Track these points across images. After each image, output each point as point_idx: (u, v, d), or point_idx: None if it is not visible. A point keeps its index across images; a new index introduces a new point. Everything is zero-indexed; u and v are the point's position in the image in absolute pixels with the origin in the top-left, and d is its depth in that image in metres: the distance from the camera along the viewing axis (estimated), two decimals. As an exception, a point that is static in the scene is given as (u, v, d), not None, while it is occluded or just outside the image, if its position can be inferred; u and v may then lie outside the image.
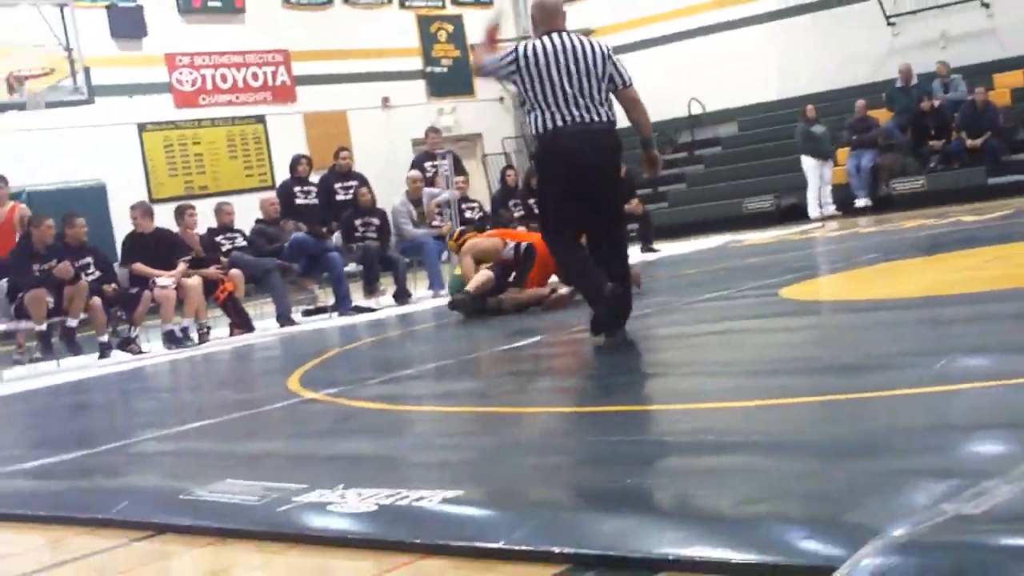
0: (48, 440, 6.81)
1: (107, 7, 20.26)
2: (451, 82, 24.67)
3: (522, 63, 7.19)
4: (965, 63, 20.29)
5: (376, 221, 14.23)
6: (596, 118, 7.17)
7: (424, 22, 24.47)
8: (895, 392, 4.30)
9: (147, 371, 10.40)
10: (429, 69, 24.44)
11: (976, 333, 5.73)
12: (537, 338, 7.73)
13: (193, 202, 14.30)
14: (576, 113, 7.11)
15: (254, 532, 3.63)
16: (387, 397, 6.23)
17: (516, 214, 15.48)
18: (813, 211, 19.56)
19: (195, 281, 12.13)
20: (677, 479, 3.52)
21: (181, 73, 21.26)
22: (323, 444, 5.17)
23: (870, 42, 21.69)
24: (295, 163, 14.93)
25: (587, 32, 23.84)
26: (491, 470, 4.08)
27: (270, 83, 22.31)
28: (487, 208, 16.45)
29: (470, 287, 10.44)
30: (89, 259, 12.13)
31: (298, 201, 14.43)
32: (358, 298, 13.75)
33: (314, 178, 15.02)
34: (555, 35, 7.26)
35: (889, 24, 21.61)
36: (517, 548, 3.00)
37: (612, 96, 7.38)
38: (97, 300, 11.62)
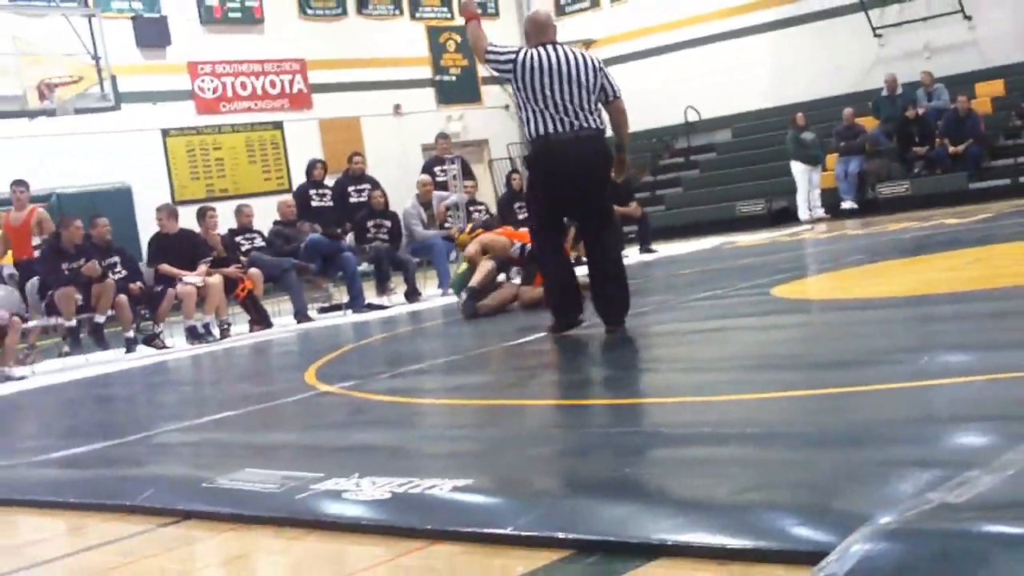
0: (77, 431, 6.82)
1: (132, 18, 20.28)
2: (460, 90, 24.69)
3: (519, 70, 7.34)
4: (948, 73, 20.28)
5: (388, 223, 14.23)
6: (586, 126, 7.31)
7: (434, 33, 24.49)
8: (881, 386, 4.30)
9: (170, 365, 10.40)
10: (439, 78, 24.45)
11: (958, 331, 5.74)
12: (542, 334, 7.72)
13: (214, 204, 14.33)
14: (567, 121, 7.27)
15: (273, 519, 3.63)
16: (399, 390, 6.24)
17: (521, 216, 15.46)
18: (803, 214, 19.56)
19: (216, 280, 12.14)
20: (674, 469, 3.52)
21: (203, 81, 21.28)
22: (338, 435, 5.17)
23: (857, 53, 21.68)
24: (311, 167, 14.94)
25: (588, 43, 23.93)
26: (498, 460, 4.08)
27: (287, 91, 22.32)
28: (493, 211, 16.45)
29: (474, 281, 10.44)
30: (116, 258, 12.15)
31: (314, 203, 14.42)
32: (371, 296, 13.75)
33: (329, 181, 15.02)
34: (549, 47, 7.43)
35: (875, 36, 21.60)
36: (524, 534, 3.01)
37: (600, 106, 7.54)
38: (123, 297, 11.64)
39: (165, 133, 20.64)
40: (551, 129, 7.28)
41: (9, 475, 5.27)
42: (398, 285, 14.19)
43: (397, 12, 24.05)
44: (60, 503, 4.50)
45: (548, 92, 7.28)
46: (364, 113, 22.93)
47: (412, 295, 13.75)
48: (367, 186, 14.77)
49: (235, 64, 21.63)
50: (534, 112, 7.32)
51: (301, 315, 12.89)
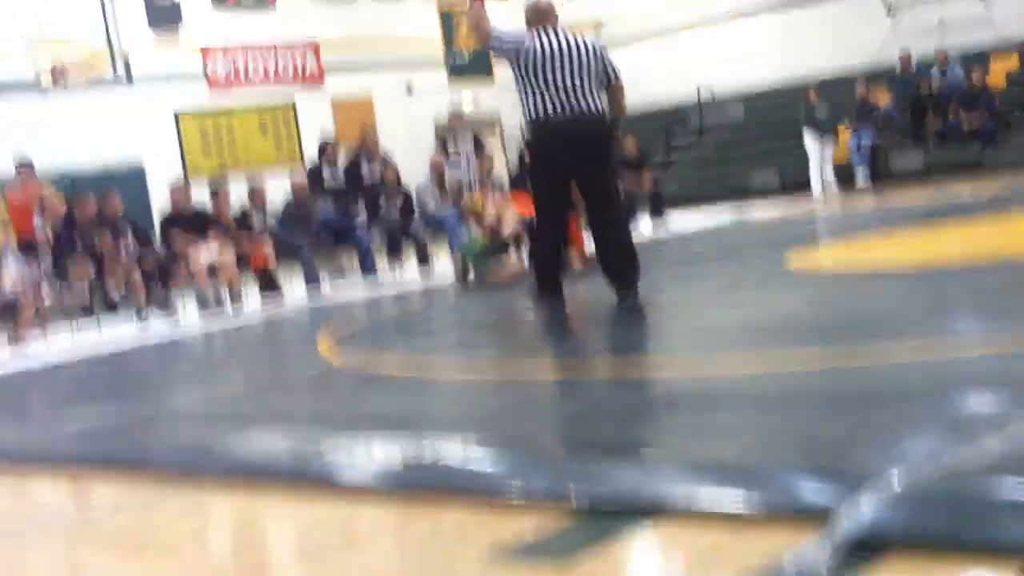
0: (91, 401, 6.84)
1: (145, -1, 20.28)
2: (471, 68, 24.65)
3: (523, 54, 7.44)
4: (962, 49, 20.18)
5: (400, 199, 14.25)
6: (587, 108, 7.40)
7: (445, 13, 24.45)
8: (894, 355, 4.30)
9: (183, 337, 10.44)
10: (450, 56, 24.42)
11: (970, 301, 5.72)
12: (550, 309, 7.73)
13: (226, 181, 14.34)
14: (568, 104, 7.36)
15: (285, 483, 3.64)
16: (411, 359, 6.26)
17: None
18: (815, 187, 19.50)
19: (228, 251, 12.18)
20: (684, 432, 3.52)
21: (215, 62, 21.26)
22: (350, 401, 5.20)
23: (871, 30, 21.57)
24: (323, 147, 14.97)
25: (597, 25, 23.86)
26: (509, 425, 4.09)
27: (299, 70, 22.30)
28: (506, 187, 16.44)
29: (505, 230, 10.46)
30: (128, 232, 12.19)
31: (326, 181, 14.44)
32: (383, 270, 13.78)
33: (341, 159, 15.03)
34: (551, 31, 7.53)
35: (889, 13, 21.50)
36: (534, 497, 3.01)
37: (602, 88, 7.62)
38: (136, 271, 11.68)
39: (177, 113, 20.64)
40: (551, 111, 7.37)
41: (25, 442, 5.29)
42: (410, 257, 14.22)
43: (408, -9, 24.03)
44: (74, 468, 4.52)
45: (550, 76, 7.37)
46: (376, 92, 22.91)
47: (424, 259, 13.79)
48: (379, 163, 14.78)
49: (247, 45, 21.60)
50: (534, 95, 7.42)
51: (314, 287, 12.92)
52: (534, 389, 4.93)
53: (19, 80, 16.37)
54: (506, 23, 8.41)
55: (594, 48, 7.54)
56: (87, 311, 11.83)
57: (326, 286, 13.41)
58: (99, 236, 11.60)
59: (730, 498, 2.72)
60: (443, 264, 14.18)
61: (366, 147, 15.10)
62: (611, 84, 7.64)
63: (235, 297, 12.24)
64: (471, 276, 10.56)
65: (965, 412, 3.30)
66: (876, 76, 20.65)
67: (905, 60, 20.01)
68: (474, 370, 5.77)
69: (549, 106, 7.37)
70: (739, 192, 20.24)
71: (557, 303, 7.64)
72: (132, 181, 18.15)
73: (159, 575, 3.03)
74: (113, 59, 16.80)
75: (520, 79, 7.51)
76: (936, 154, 18.78)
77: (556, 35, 7.50)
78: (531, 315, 7.69)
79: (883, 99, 20.05)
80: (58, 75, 16.64)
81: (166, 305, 11.97)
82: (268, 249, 12.68)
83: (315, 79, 22.36)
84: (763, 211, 16.89)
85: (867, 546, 2.29)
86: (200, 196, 13.13)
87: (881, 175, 19.17)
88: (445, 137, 16.36)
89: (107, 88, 17.10)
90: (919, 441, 2.93)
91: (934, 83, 19.32)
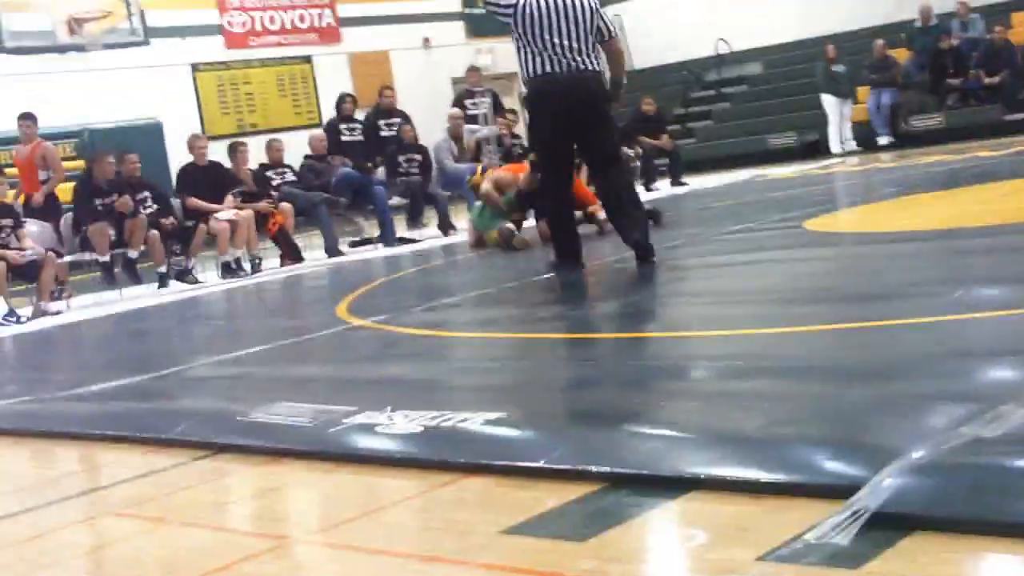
0: (111, 365, 6.86)
1: (161, -49, 20.21)
2: (490, 22, 24.50)
3: (519, 13, 7.50)
4: (983, 2, 19.99)
5: (419, 157, 14.20)
6: (583, 66, 7.46)
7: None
8: (914, 320, 4.29)
9: (203, 300, 10.46)
10: (468, 10, 24.29)
11: (992, 264, 5.70)
12: (573, 271, 7.71)
13: (244, 139, 14.32)
14: (565, 61, 7.42)
15: (306, 452, 3.65)
16: (431, 324, 6.26)
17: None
18: (834, 147, 19.40)
19: (247, 214, 12.16)
20: (706, 402, 3.52)
21: (232, 15, 21.19)
22: (370, 368, 5.19)
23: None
24: (340, 101, 14.90)
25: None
26: (530, 393, 4.09)
27: (316, 24, 22.23)
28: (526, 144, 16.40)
29: (522, 184, 10.46)
30: (147, 193, 12.16)
31: (344, 138, 14.39)
32: (402, 230, 13.76)
33: (359, 115, 14.99)
34: None
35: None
36: (555, 467, 3.01)
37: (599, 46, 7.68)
38: (155, 233, 11.66)
39: (195, 68, 20.60)
40: (548, 69, 7.44)
41: (45, 408, 5.32)
42: (430, 219, 14.18)
43: (426, -57, 23.90)
44: (95, 435, 4.54)
45: (547, 35, 7.42)
46: (393, 47, 22.82)
47: (445, 228, 13.74)
48: (397, 120, 14.73)
49: (264, -3, 21.55)
50: (532, 53, 7.49)
51: (332, 249, 12.91)
52: (552, 358, 4.92)
53: (34, 31, 16.33)
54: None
55: (589, 5, 7.57)
56: (108, 274, 11.83)
57: (344, 247, 13.39)
58: (118, 198, 11.57)
59: (753, 471, 2.72)
60: (462, 224, 14.17)
61: (383, 103, 15.05)
62: (607, 42, 7.69)
63: (254, 259, 12.24)
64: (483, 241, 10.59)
65: (990, 379, 3.29)
66: (895, 30, 20.49)
67: (925, 12, 19.82)
68: (491, 339, 5.76)
69: (547, 65, 7.44)
70: (757, 154, 20.11)
71: (574, 268, 7.63)
72: (150, 138, 18.14)
73: (179, 544, 3.04)
74: (129, 12, 16.76)
75: (517, 38, 7.58)
76: (957, 113, 18.64)
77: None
78: (548, 281, 7.67)
79: (902, 55, 19.89)
80: (74, 28, 16.60)
81: (186, 268, 11.96)
82: (287, 210, 12.65)
83: (332, 33, 22.27)
84: (781, 172, 16.81)
85: (891, 520, 2.29)
86: (219, 157, 13.08)
87: (901, 135, 19.04)
88: (463, 93, 16.29)
89: (123, 41, 17.06)
90: (943, 412, 2.92)
91: (954, 37, 19.13)
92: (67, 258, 11.50)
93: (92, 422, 4.80)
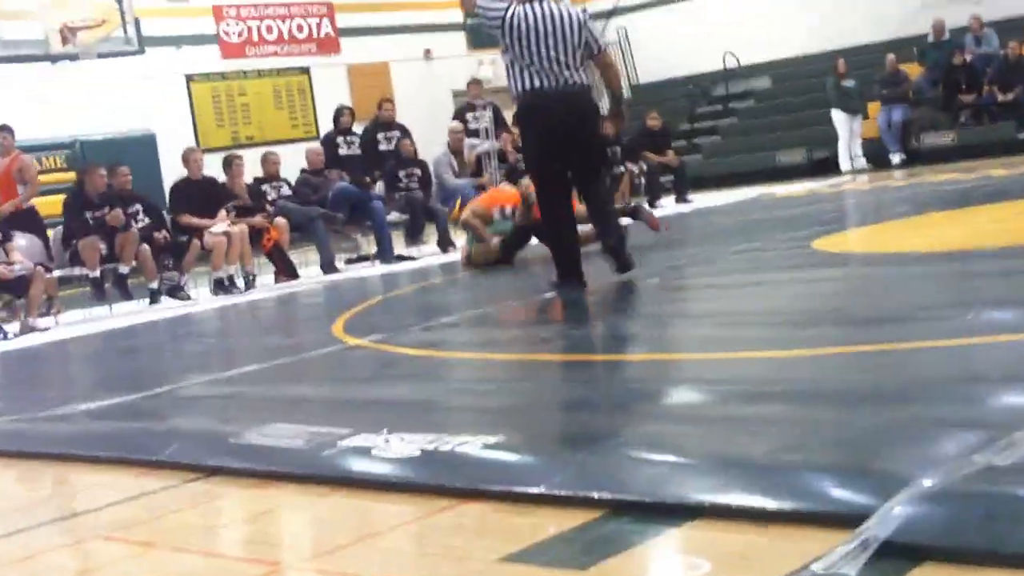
0: (101, 383, 6.86)
1: (156, -41, 20.25)
2: (491, 34, 24.59)
3: (507, 25, 7.61)
4: (998, 17, 20.01)
5: (418, 172, 14.21)
6: (572, 81, 7.58)
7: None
8: (925, 343, 4.28)
9: (195, 317, 10.45)
10: (470, 21, 24.33)
11: (1005, 286, 5.69)
12: (575, 290, 7.71)
13: (240, 152, 14.32)
14: (554, 76, 7.53)
15: (300, 475, 3.64)
16: (429, 343, 6.25)
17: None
18: (844, 164, 19.41)
19: (241, 229, 12.14)
20: (712, 427, 3.51)
21: (228, 25, 21.22)
22: (367, 389, 5.19)
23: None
24: (338, 114, 14.92)
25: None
26: (530, 416, 4.08)
27: (315, 35, 22.25)
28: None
29: (518, 220, 10.53)
30: (138, 207, 12.16)
31: (341, 151, 14.41)
32: (400, 247, 13.75)
33: (357, 128, 15.01)
34: (537, 3, 7.67)
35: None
36: (556, 493, 3.00)
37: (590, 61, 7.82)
38: (147, 248, 11.66)
39: (190, 78, 20.62)
40: (538, 84, 7.55)
41: (32, 428, 5.30)
42: (430, 236, 14.18)
43: (427, -46, 23.96)
44: (83, 456, 4.52)
45: (535, 48, 7.52)
46: (393, 58, 22.85)
47: (445, 245, 13.74)
48: (396, 133, 14.75)
49: (261, 7, 21.56)
50: (521, 68, 7.59)
51: (328, 266, 12.90)
52: (553, 380, 4.92)
53: (26, 40, 16.33)
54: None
55: (578, 19, 7.66)
56: (98, 289, 11.82)
57: (341, 264, 13.38)
58: (109, 211, 11.56)
59: (758, 499, 2.71)
60: (461, 242, 14.17)
61: (382, 116, 15.06)
62: (595, 56, 7.78)
63: (247, 275, 12.24)
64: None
65: (1003, 405, 3.29)
66: (907, 45, 20.52)
67: (938, 27, 19.86)
68: (491, 360, 5.75)
69: (537, 79, 7.54)
70: (765, 171, 20.11)
71: (575, 286, 7.62)
72: (143, 150, 18.14)
73: (168, 569, 3.04)
74: (124, 21, 16.77)
75: (507, 51, 7.68)
76: (970, 130, 18.65)
77: (541, 7, 7.63)
78: (549, 300, 7.67)
79: (914, 71, 19.92)
80: (67, 36, 16.61)
81: (178, 284, 11.95)
82: (282, 225, 12.64)
83: (331, 43, 22.30)
84: (789, 190, 16.82)
85: (901, 551, 2.28)
86: (213, 171, 13.08)
87: (912, 153, 19.05)
88: (464, 106, 16.31)
89: (117, 50, 17.06)
90: (955, 438, 2.91)
91: (968, 53, 19.15)
92: (56, 273, 11.50)
93: (80, 442, 4.79)
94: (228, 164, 12.97)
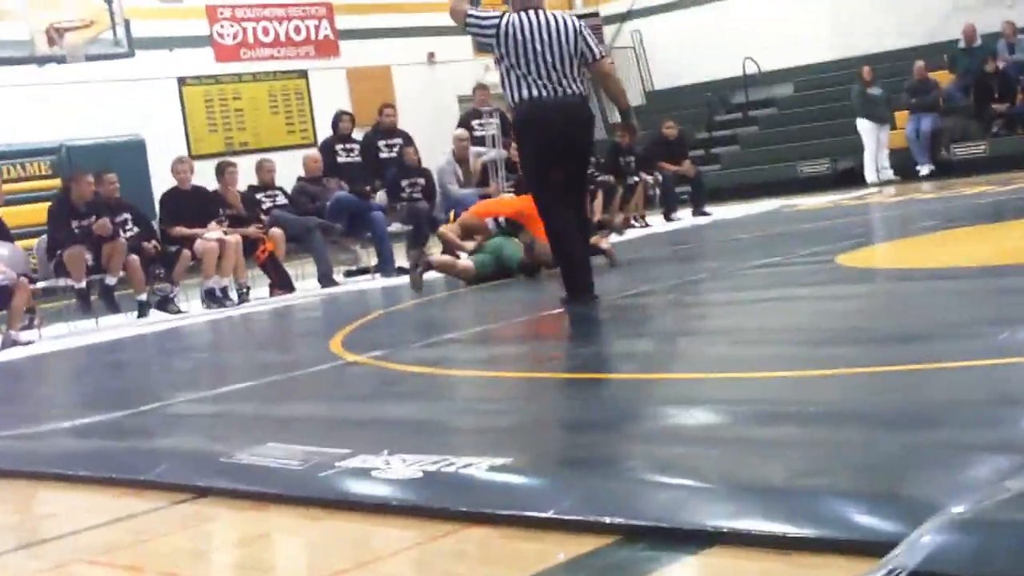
0: (86, 399, 6.87)
1: (148, -43, 20.30)
2: (485, 44, 24.59)
3: (502, 35, 7.71)
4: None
5: (421, 181, 14.20)
6: (570, 91, 7.69)
7: (471, -24, 24.41)
8: (955, 364, 4.27)
9: (186, 331, 10.47)
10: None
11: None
12: (584, 306, 7.71)
13: (233, 159, 14.32)
14: (551, 86, 7.64)
15: (295, 497, 3.64)
16: (432, 361, 6.25)
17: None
18: (870, 176, 19.40)
19: (235, 239, 12.14)
20: (730, 449, 3.50)
21: (222, 26, 21.28)
22: (366, 408, 5.19)
23: (931, 1, 21.41)
24: (337, 120, 14.93)
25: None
26: (538, 437, 4.09)
27: (313, 37, 22.30)
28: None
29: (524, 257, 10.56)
30: (127, 215, 12.18)
31: (340, 159, 14.42)
32: (401, 259, 13.74)
33: (357, 135, 15.02)
34: (532, 11, 7.77)
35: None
36: (566, 518, 2.99)
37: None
38: (135, 258, 11.66)
39: (182, 82, 20.67)
40: (536, 94, 7.64)
41: (15, 446, 5.31)
42: (433, 248, 14.17)
43: (431, -48, 24.02)
44: (69, 476, 4.53)
45: (531, 57, 7.63)
46: (395, 62, 22.89)
47: (455, 257, 13.72)
48: (398, 140, 14.74)
49: (256, 8, 21.62)
50: (518, 77, 7.69)
51: (326, 279, 12.91)
52: (562, 400, 4.92)
53: (10, 41, 16.35)
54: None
55: (574, 27, 7.76)
56: (84, 301, 11.83)
57: (339, 276, 13.39)
58: (96, 220, 11.56)
59: (779, 525, 2.70)
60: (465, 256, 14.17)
61: (383, 122, 15.06)
62: (591, 64, 7.86)
63: (241, 288, 12.24)
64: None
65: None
66: (937, 51, 20.52)
67: (969, 32, 19.85)
68: (496, 379, 5.76)
69: (534, 89, 7.64)
70: (787, 182, 20.12)
71: (586, 301, 7.62)
72: (132, 156, 18.17)
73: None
74: (113, 22, 16.78)
75: (501, 61, 7.77)
76: (1003, 140, 18.65)
77: (537, 15, 7.74)
78: (558, 316, 7.67)
79: (944, 78, 19.92)
80: (54, 38, 16.63)
81: (168, 296, 11.95)
82: (277, 236, 12.65)
83: (329, 46, 22.34)
84: (812, 203, 16.82)
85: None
86: (205, 178, 13.08)
87: (942, 164, 19.04)
88: (469, 113, 16.32)
89: (106, 53, 17.08)
90: (986, 463, 2.90)
91: (1001, 60, 19.16)
92: (40, 284, 11.52)
93: (63, 461, 4.79)
94: (221, 172, 12.98)
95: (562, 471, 3.51)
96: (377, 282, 12.93)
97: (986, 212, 11.55)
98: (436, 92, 22.53)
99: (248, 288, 12.36)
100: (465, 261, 10.80)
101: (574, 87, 7.71)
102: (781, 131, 22.29)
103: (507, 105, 7.92)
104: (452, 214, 12.48)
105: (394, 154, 14.56)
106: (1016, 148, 18.27)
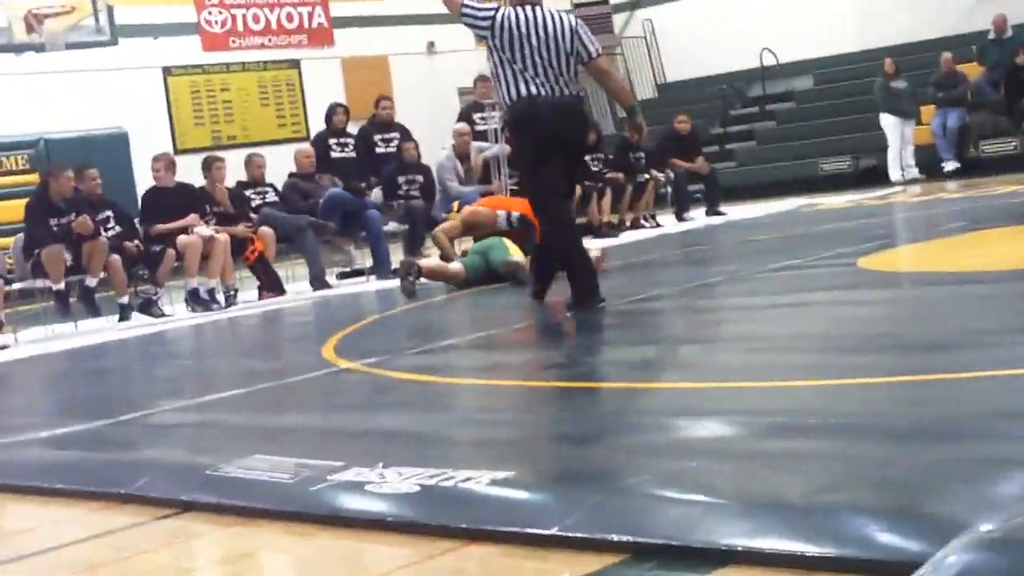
0: (65, 408, 6.87)
1: (131, -60, 20.32)
2: (478, 36, 24.59)
3: (497, 29, 7.81)
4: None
5: (420, 178, 14.18)
6: (565, 91, 7.81)
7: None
8: (984, 373, 4.27)
9: (170, 336, 10.46)
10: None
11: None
12: (594, 307, 7.71)
13: (221, 153, 14.32)
14: (548, 84, 7.75)
15: (284, 512, 3.64)
16: (429, 368, 6.25)
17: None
18: (894, 174, 19.40)
19: (222, 239, 12.10)
20: (746, 463, 3.50)
21: (210, 13, 21.30)
22: (360, 418, 5.19)
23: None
24: (331, 112, 14.91)
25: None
26: (542, 449, 4.09)
27: (306, 25, 22.33)
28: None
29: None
30: (109, 213, 12.15)
31: (334, 154, 14.42)
32: (398, 260, 13.72)
33: (352, 129, 15.01)
34: (528, 7, 7.88)
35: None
36: (571, 535, 3.00)
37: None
38: (117, 258, 11.63)
39: (167, 72, 20.70)
40: (534, 91, 7.74)
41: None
42: (431, 249, 14.16)
43: (431, -64, 24.01)
44: (45, 489, 4.53)
45: (527, 53, 7.73)
46: (393, 51, 22.91)
47: (448, 260, 13.71)
48: (395, 135, 14.75)
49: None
50: (513, 74, 7.78)
51: (318, 281, 12.90)
52: (566, 410, 4.91)
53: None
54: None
55: (570, 25, 7.86)
56: (63, 304, 11.81)
57: (332, 278, 13.38)
58: (76, 217, 11.54)
59: (797, 543, 2.70)
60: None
61: (380, 115, 15.06)
62: (586, 63, 7.95)
63: (228, 290, 12.23)
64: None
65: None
66: (965, 42, 20.51)
67: (1000, 23, 19.83)
68: (497, 387, 5.75)
69: (530, 86, 7.73)
70: (806, 180, 20.12)
71: (591, 307, 7.64)
72: (114, 150, 18.20)
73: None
74: (95, 8, 16.83)
75: (495, 55, 7.87)
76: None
77: (534, 11, 7.83)
78: (562, 322, 7.68)
79: (973, 71, 19.91)
80: (33, 25, 16.67)
81: (151, 298, 11.93)
82: (267, 236, 12.63)
83: (323, 34, 22.34)
84: (833, 202, 16.81)
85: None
86: (191, 174, 13.06)
87: (970, 162, 19.03)
88: (471, 106, 16.30)
89: (87, 41, 17.13)
90: (1016, 479, 2.91)
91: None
92: (17, 285, 11.52)
93: (42, 474, 4.79)
94: (208, 167, 12.94)
95: (567, 486, 3.50)
96: (372, 285, 12.92)
97: (1017, 213, 11.55)
98: (436, 84, 22.55)
99: (236, 290, 12.34)
100: (455, 265, 10.79)
101: (569, 86, 7.82)
102: (800, 126, 22.28)
103: (499, 101, 7.98)
104: (456, 205, 12.46)
105: (391, 149, 14.56)
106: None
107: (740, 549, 2.74)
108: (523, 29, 7.74)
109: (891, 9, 21.94)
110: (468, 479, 3.47)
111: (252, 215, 12.97)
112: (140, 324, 11.40)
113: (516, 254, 10.37)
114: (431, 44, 23.48)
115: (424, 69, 23.13)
